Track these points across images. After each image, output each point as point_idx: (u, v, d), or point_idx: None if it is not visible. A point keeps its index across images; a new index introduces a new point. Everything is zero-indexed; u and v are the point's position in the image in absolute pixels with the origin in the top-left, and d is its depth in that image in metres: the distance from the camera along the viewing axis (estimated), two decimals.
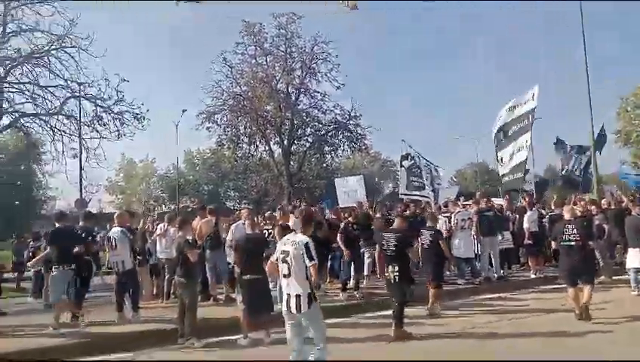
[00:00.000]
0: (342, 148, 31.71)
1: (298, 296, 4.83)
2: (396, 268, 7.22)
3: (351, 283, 10.09)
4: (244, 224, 8.78)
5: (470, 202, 12.76)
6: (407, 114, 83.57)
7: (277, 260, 5.08)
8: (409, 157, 15.58)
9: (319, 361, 4.86)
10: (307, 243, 4.87)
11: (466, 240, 11.11)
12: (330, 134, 31.07)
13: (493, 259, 11.43)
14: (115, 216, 9.69)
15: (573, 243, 7.72)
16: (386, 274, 7.48)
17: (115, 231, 8.81)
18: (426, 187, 14.60)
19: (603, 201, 13.42)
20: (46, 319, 8.25)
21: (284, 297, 4.98)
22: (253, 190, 38.39)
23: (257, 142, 30.71)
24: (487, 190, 28.41)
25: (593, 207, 12.37)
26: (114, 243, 8.66)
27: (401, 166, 15.98)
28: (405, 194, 14.98)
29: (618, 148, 37.43)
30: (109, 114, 23.66)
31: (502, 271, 11.72)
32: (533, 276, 11.73)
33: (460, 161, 69.10)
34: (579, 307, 7.66)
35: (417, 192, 14.65)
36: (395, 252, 7.34)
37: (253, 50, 29.98)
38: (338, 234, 10.31)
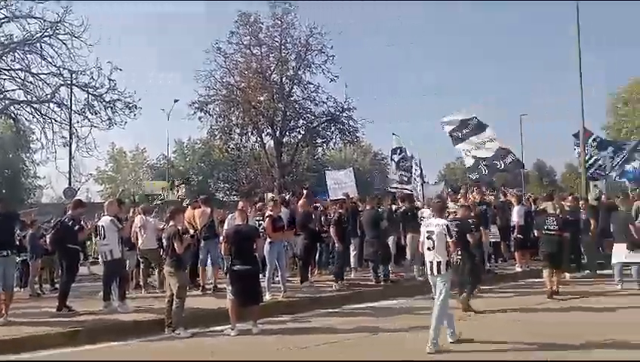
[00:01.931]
0: (334, 140, 31.62)
1: (439, 263, 6.34)
2: (459, 253, 7.97)
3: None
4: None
5: (459, 196, 12.85)
6: (401, 107, 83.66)
7: (422, 238, 6.66)
8: (399, 150, 15.67)
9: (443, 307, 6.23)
10: (447, 225, 6.52)
11: None
12: (322, 126, 30.95)
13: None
14: (105, 205, 9.71)
15: (552, 232, 9.34)
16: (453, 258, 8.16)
17: (105, 220, 8.80)
18: (413, 181, 14.68)
19: (589, 197, 13.58)
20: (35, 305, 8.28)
21: (428, 264, 6.50)
22: (244, 181, 38.30)
23: (249, 133, 30.48)
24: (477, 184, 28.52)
25: (581, 203, 12.52)
26: (103, 232, 8.66)
27: (392, 159, 16.08)
28: (394, 188, 15.08)
29: None
30: (101, 102, 23.31)
31: (488, 265, 11.83)
32: (519, 269, 11.87)
33: (451, 154, 69.38)
34: (550, 284, 9.18)
35: (406, 186, 14.73)
36: (457, 238, 7.93)
37: (248, 40, 29.76)
38: (331, 227, 10.40)
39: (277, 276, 9.55)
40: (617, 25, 73.23)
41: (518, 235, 12.04)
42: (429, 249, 6.49)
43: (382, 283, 10.19)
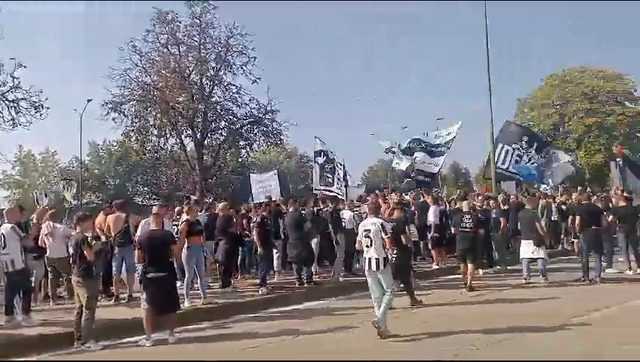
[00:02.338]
0: (257, 142, 31.23)
1: (377, 259, 6.71)
2: (394, 252, 8.20)
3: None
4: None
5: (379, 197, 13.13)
6: (326, 110, 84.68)
7: (360, 237, 7.02)
8: (322, 153, 15.80)
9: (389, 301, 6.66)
10: (382, 223, 6.94)
11: None
12: (245, 128, 30.48)
13: None
14: (4, 212, 8.97)
15: (467, 230, 9.92)
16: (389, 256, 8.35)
17: (5, 227, 8.11)
18: (335, 183, 14.88)
19: (499, 196, 14.38)
20: None
21: (367, 260, 6.85)
22: (164, 184, 37.01)
23: (168, 135, 29.41)
24: (395, 186, 29.48)
25: (492, 202, 13.24)
26: (3, 241, 7.97)
27: (315, 162, 16.19)
28: (318, 190, 15.18)
29: None
30: (3, 101, 21.85)
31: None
32: (436, 267, 12.33)
33: (373, 157, 71.19)
34: (465, 278, 9.87)
35: (329, 188, 14.89)
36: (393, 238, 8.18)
37: (166, 38, 28.75)
38: (254, 230, 10.26)
39: (196, 282, 9.25)
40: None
41: (435, 234, 12.47)
42: (367, 246, 6.83)
43: (305, 285, 10.18)
